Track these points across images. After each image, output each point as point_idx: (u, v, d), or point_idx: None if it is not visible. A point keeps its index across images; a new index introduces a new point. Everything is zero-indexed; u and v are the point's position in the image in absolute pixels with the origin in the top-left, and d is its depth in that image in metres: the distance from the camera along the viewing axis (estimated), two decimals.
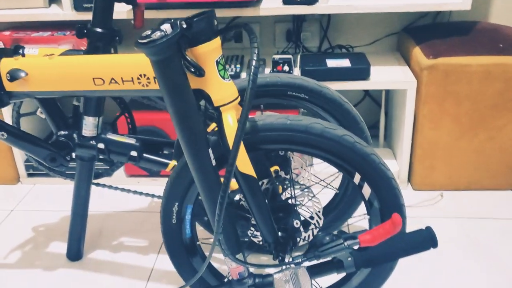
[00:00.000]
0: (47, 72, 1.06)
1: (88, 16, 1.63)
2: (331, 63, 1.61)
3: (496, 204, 1.63)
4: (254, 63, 0.86)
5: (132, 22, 1.19)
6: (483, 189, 1.70)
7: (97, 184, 1.41)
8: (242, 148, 0.97)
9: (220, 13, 1.58)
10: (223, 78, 0.97)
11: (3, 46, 1.63)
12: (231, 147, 0.95)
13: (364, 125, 1.29)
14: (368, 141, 1.30)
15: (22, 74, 1.06)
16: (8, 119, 1.73)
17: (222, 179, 0.92)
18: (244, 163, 0.97)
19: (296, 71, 1.68)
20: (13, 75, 1.06)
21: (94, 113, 1.24)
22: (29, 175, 1.86)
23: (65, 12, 1.64)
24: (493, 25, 1.75)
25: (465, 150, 1.63)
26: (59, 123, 1.26)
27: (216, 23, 0.95)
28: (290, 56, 1.63)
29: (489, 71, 1.51)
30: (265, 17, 1.88)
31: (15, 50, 1.18)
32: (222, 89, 0.96)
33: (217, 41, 0.95)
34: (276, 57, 1.63)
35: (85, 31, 1.17)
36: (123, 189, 1.42)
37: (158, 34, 0.87)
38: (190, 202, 1.11)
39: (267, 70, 1.72)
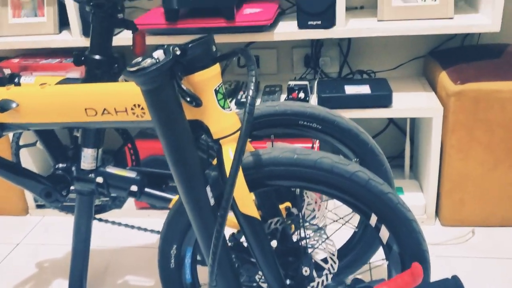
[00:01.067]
0: (38, 102, 0.99)
1: None
2: (350, 89, 1.51)
3: None
4: (251, 92, 0.77)
5: (132, 48, 1.12)
6: None
7: (99, 220, 1.34)
8: (243, 185, 0.87)
9: (234, 38, 1.51)
10: (223, 108, 0.88)
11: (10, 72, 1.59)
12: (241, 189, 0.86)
13: (383, 157, 1.18)
14: (388, 175, 1.18)
15: (13, 105, 1.00)
16: (3, 152, 1.68)
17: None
18: (245, 202, 0.88)
19: (313, 98, 1.58)
20: (3, 106, 1.00)
21: (93, 145, 1.17)
22: (38, 206, 1.81)
23: (74, 38, 1.59)
24: None
25: (499, 183, 1.49)
26: (58, 155, 1.19)
27: (214, 49, 0.87)
28: (306, 82, 1.54)
29: None
30: (282, 42, 1.80)
31: (10, 78, 1.13)
32: (221, 120, 0.88)
33: (215, 68, 0.86)
34: (292, 83, 1.54)
35: (83, 58, 1.11)
36: (126, 225, 1.34)
37: (148, 61, 0.80)
38: (190, 245, 1.01)
39: (283, 97, 1.63)
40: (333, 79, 1.77)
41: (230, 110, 0.89)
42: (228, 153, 0.88)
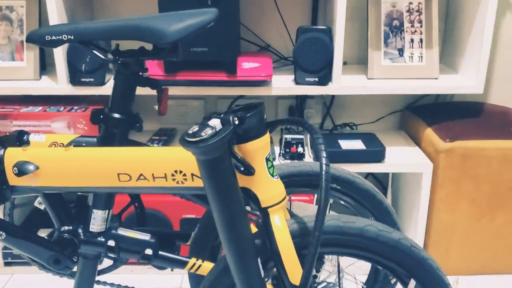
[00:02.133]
0: (62, 166, 0.93)
1: (85, 91, 1.51)
2: (345, 144, 1.55)
3: None
4: (325, 167, 0.77)
5: (156, 108, 1.08)
6: (500, 274, 1.63)
7: (97, 282, 1.25)
8: (294, 257, 0.86)
9: (233, 91, 1.50)
10: (272, 176, 0.87)
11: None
12: (280, 252, 0.85)
13: (396, 216, 1.21)
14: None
15: (32, 168, 0.93)
16: None
17: None
18: (295, 274, 0.86)
19: (307, 152, 1.60)
20: (22, 170, 0.92)
21: (104, 206, 1.10)
22: (6, 264, 1.66)
23: (60, 86, 1.51)
24: (499, 107, 1.75)
25: (482, 234, 1.57)
26: (63, 217, 1.11)
27: (265, 117, 0.86)
28: (302, 136, 1.56)
29: (506, 154, 1.49)
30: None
31: (18, 137, 1.05)
32: (270, 189, 0.86)
33: (267, 137, 0.85)
34: (288, 137, 1.55)
35: (101, 116, 1.05)
36: (126, 287, 1.26)
37: (209, 132, 0.78)
38: None
39: (276, 149, 1.63)
40: (325, 133, 1.79)
41: (278, 178, 0.88)
42: (276, 221, 0.87)
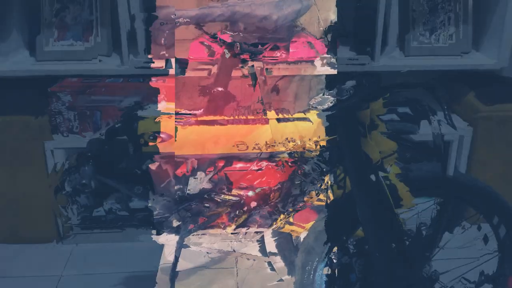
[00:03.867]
0: (190, 136, 1.05)
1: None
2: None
3: None
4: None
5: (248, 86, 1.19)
6: None
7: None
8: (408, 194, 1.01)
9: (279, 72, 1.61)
10: (382, 134, 1.00)
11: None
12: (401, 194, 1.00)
13: None
14: None
15: (166, 137, 1.04)
16: None
17: None
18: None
19: None
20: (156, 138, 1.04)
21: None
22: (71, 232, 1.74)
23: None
24: None
25: None
26: None
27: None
28: None
29: None
30: None
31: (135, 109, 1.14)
32: (381, 145, 1.00)
33: (381, 100, 0.99)
34: None
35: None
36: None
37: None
38: (322, 260, 1.11)
39: None
40: None
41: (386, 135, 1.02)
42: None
